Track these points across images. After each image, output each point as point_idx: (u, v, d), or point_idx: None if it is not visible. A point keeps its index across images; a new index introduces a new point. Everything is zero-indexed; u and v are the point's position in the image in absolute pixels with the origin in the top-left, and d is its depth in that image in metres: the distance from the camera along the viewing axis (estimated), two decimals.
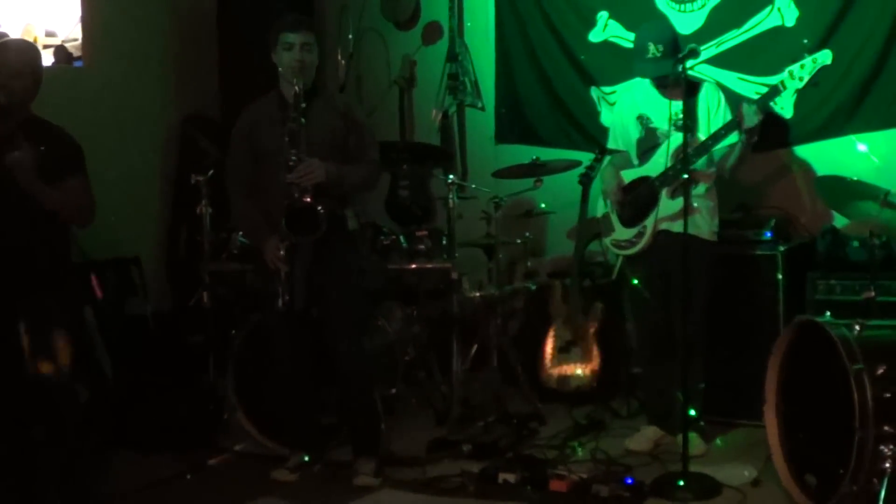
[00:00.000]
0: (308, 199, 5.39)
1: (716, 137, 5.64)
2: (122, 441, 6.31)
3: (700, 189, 5.69)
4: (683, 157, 5.49)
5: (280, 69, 5.62)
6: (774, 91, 5.69)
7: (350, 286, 5.79)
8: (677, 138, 5.73)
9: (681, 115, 5.64)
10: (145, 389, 6.62)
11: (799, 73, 5.56)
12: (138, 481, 5.78)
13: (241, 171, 5.76)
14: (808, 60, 5.55)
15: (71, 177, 5.11)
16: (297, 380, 5.90)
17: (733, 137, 5.72)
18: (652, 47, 5.80)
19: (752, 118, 5.56)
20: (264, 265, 5.61)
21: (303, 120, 5.42)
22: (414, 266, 6.85)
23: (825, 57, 5.57)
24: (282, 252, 5.48)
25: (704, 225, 5.70)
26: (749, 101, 5.69)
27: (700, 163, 5.65)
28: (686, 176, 5.36)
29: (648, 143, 6.00)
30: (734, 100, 6.09)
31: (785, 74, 5.61)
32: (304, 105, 5.43)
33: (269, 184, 5.61)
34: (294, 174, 5.39)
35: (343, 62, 8.53)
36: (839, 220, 6.34)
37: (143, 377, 6.74)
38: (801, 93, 6.64)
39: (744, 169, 6.74)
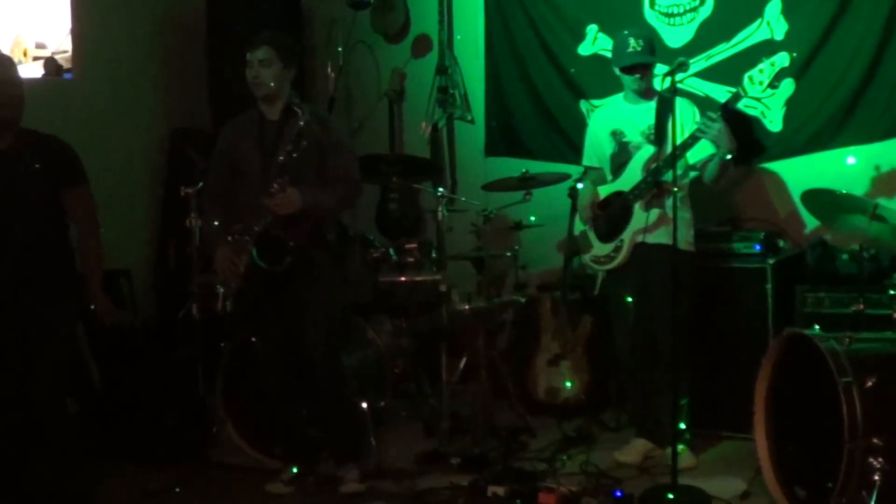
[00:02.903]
0: (279, 233, 5.49)
1: (683, 147, 5.67)
2: (110, 454, 6.31)
3: (673, 200, 5.68)
4: (670, 164, 5.55)
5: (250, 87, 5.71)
6: (736, 97, 5.73)
7: (327, 298, 5.80)
8: (647, 150, 5.83)
9: (653, 129, 5.85)
10: (134, 402, 6.60)
11: (759, 78, 5.59)
12: (127, 494, 5.78)
13: (217, 184, 5.86)
14: (766, 64, 5.58)
15: (78, 186, 5.21)
16: (282, 391, 5.91)
17: (710, 148, 5.77)
18: (633, 41, 5.92)
19: (710, 127, 5.61)
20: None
21: (294, 155, 5.48)
22: (403, 279, 6.84)
23: (783, 59, 5.61)
24: (241, 268, 5.54)
25: (680, 235, 5.69)
26: (711, 111, 5.73)
27: (670, 175, 5.64)
28: (676, 189, 5.38)
29: (621, 157, 6.07)
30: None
31: (745, 80, 5.64)
32: (304, 143, 5.49)
33: (240, 196, 5.69)
34: (272, 201, 5.45)
35: (333, 75, 8.52)
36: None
37: (132, 390, 6.72)
38: (790, 106, 6.73)
39: (732, 182, 6.77)
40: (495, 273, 7.37)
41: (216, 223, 5.80)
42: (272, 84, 5.61)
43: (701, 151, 5.80)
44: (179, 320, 6.92)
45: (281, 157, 5.48)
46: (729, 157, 5.77)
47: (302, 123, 5.48)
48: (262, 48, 5.62)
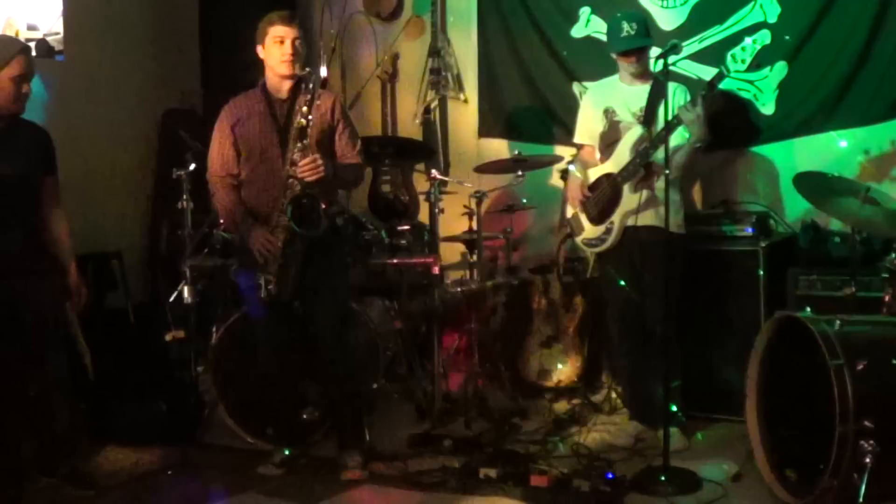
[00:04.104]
0: (315, 196, 5.44)
1: (669, 128, 5.65)
2: (103, 436, 6.30)
3: (662, 182, 5.66)
4: (647, 149, 5.70)
5: (269, 63, 5.65)
6: (719, 76, 5.74)
7: (338, 282, 5.82)
8: (637, 131, 5.89)
9: (643, 110, 5.91)
10: (126, 384, 6.60)
11: (741, 56, 5.67)
12: (120, 476, 5.77)
13: (227, 165, 5.75)
14: (748, 42, 5.64)
15: (55, 173, 5.35)
16: (279, 373, 5.89)
17: (683, 136, 5.80)
18: (626, 25, 5.94)
19: (689, 111, 5.63)
20: (250, 257, 5.61)
21: (311, 117, 5.46)
22: (396, 261, 6.85)
23: (764, 37, 5.66)
24: (280, 244, 5.48)
25: (670, 218, 5.69)
26: (696, 95, 5.77)
27: (660, 156, 5.64)
28: (668, 171, 5.38)
29: (611, 136, 6.08)
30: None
31: (727, 59, 5.68)
32: (318, 101, 5.50)
33: (255, 177, 5.64)
34: (299, 169, 5.41)
35: (326, 56, 8.51)
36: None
37: (125, 372, 6.72)
38: (783, 89, 6.71)
39: (725, 165, 6.77)
40: (488, 255, 7.36)
41: (237, 205, 5.74)
42: (302, 62, 5.62)
43: (678, 137, 5.80)
44: (171, 302, 6.91)
45: (298, 121, 5.46)
46: (698, 145, 5.78)
47: (312, 85, 5.48)
48: (295, 26, 5.63)
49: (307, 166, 5.41)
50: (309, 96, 5.47)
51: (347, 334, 6.00)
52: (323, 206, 5.45)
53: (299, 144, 5.44)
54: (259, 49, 5.67)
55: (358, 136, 5.91)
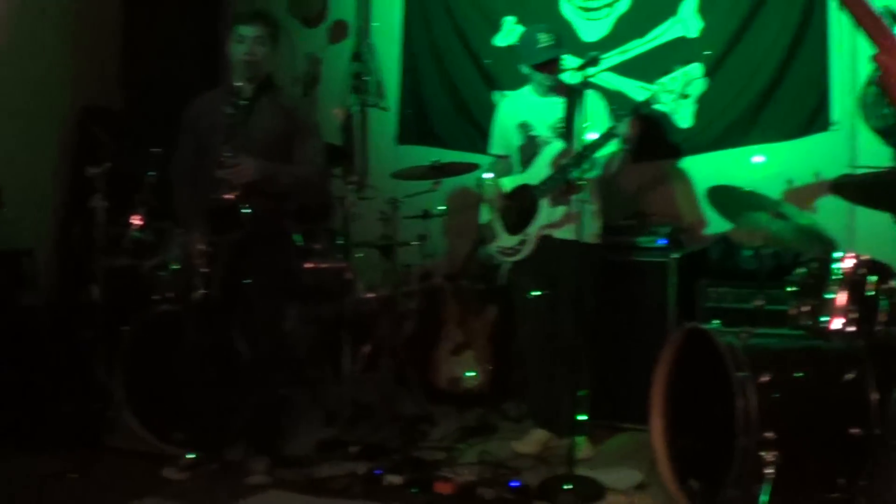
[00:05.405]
0: (233, 198, 5.37)
1: (592, 147, 5.67)
2: (4, 438, 6.20)
3: (581, 194, 5.67)
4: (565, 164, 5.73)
5: (232, 62, 5.62)
6: (646, 104, 5.73)
7: (275, 286, 5.78)
8: (556, 146, 5.86)
9: (561, 123, 5.91)
10: (31, 385, 6.50)
11: (670, 86, 5.64)
12: (21, 480, 5.66)
13: (185, 159, 5.73)
14: (679, 73, 5.63)
15: None
16: (203, 376, 5.83)
17: (612, 146, 5.78)
18: (543, 37, 5.91)
19: (622, 128, 5.65)
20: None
21: (233, 113, 5.42)
22: (309, 265, 6.80)
23: (695, 70, 5.66)
24: (201, 247, 5.43)
25: (587, 227, 5.69)
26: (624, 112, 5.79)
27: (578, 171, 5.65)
28: (584, 182, 5.40)
29: (530, 150, 6.08)
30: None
31: (657, 87, 5.67)
32: (246, 102, 5.44)
33: (205, 176, 5.57)
34: (225, 171, 5.37)
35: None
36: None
37: (31, 372, 6.62)
38: (701, 103, 6.77)
39: (640, 176, 6.80)
40: (402, 261, 7.34)
41: (186, 206, 5.69)
42: (263, 63, 5.57)
43: (609, 147, 5.81)
44: (82, 302, 6.83)
45: (225, 117, 5.43)
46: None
47: (240, 85, 5.46)
48: (257, 24, 5.57)
49: (234, 169, 5.37)
50: (229, 93, 5.45)
51: (280, 337, 5.96)
52: (244, 210, 5.39)
53: (227, 146, 5.38)
54: (227, 47, 5.63)
55: (317, 141, 5.84)
